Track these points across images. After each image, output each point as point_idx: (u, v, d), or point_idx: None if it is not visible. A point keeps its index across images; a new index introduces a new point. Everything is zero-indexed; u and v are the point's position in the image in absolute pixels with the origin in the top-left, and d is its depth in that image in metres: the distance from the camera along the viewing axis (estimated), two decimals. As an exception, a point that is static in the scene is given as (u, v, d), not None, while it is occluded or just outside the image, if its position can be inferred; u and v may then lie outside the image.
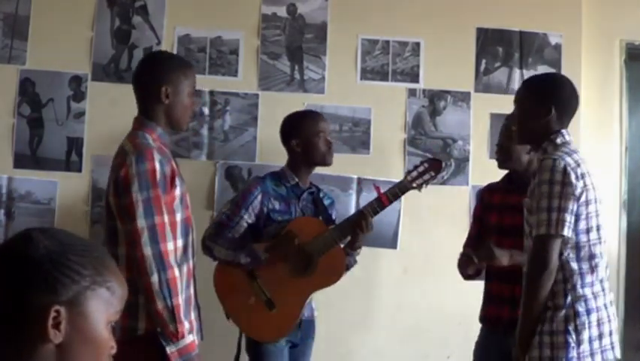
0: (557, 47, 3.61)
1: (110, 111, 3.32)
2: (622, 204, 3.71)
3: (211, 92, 3.42)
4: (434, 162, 2.94)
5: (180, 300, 2.18)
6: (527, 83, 2.58)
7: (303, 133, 2.97)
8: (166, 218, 2.21)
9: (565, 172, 2.24)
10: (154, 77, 2.36)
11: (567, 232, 2.23)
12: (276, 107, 3.19)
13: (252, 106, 3.44)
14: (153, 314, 2.15)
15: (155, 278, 2.14)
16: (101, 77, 3.37)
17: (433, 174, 2.90)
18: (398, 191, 2.89)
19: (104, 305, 1.17)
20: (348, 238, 2.89)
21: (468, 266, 2.70)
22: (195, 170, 3.34)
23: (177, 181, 2.29)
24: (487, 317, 2.84)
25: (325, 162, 3.01)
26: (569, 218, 2.23)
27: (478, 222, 2.95)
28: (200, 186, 3.35)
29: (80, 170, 3.34)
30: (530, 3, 3.61)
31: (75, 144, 3.35)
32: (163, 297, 2.14)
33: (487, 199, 2.93)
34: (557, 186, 2.23)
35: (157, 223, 2.18)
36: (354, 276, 3.11)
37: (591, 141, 3.52)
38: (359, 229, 2.84)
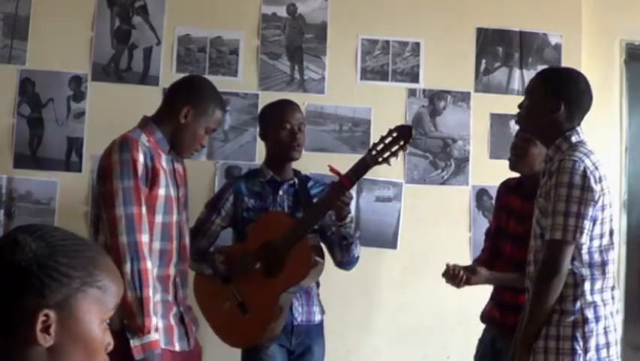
0: (557, 47, 3.61)
1: (110, 111, 3.32)
2: (622, 204, 3.71)
3: (211, 92, 3.41)
4: (403, 129, 2.65)
5: (150, 293, 2.14)
6: (541, 75, 2.46)
7: (269, 125, 2.87)
8: (143, 209, 2.20)
9: (585, 176, 2.17)
10: (186, 95, 2.38)
11: (585, 239, 2.17)
12: (276, 107, 3.18)
13: (252, 106, 3.44)
14: (122, 305, 2.11)
15: (127, 268, 2.12)
16: (101, 77, 3.37)
17: (402, 142, 2.62)
18: (361, 169, 2.64)
19: (95, 305, 1.15)
20: (313, 225, 2.71)
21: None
22: (195, 170, 3.32)
23: (161, 181, 2.27)
24: (485, 315, 2.85)
25: (290, 157, 2.85)
26: (588, 225, 2.16)
27: (495, 219, 2.93)
28: (200, 186, 3.35)
29: (80, 170, 3.34)
30: (530, 3, 3.61)
31: (75, 144, 3.34)
32: (134, 287, 2.12)
33: (502, 198, 2.90)
34: (577, 191, 2.16)
35: (135, 213, 2.18)
36: (354, 276, 3.11)
37: (591, 141, 3.50)
38: (335, 205, 2.63)
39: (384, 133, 2.67)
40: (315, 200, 2.86)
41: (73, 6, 3.38)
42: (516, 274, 2.65)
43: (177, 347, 2.30)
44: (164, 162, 2.33)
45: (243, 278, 2.74)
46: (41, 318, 1.09)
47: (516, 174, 2.86)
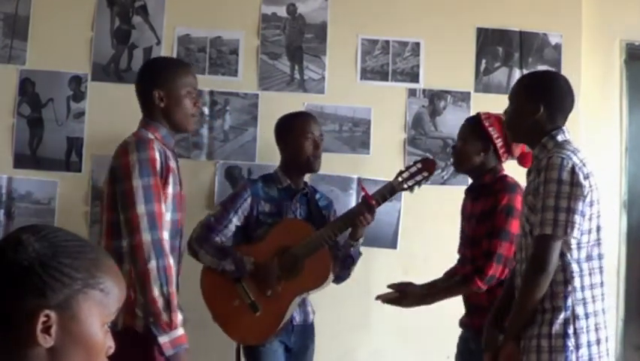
0: (557, 47, 3.61)
1: (110, 111, 3.32)
2: (622, 204, 3.71)
3: (211, 92, 3.41)
4: (428, 162, 2.87)
5: (174, 289, 2.16)
6: (521, 80, 2.55)
7: (291, 135, 2.94)
8: (163, 207, 2.21)
9: (573, 172, 2.20)
10: (147, 83, 2.40)
11: (577, 233, 2.20)
12: (276, 107, 3.19)
13: (252, 106, 3.44)
14: (147, 303, 2.12)
15: (152, 264, 2.12)
16: (101, 77, 3.37)
17: (426, 174, 2.83)
18: (387, 193, 2.82)
19: (97, 307, 1.14)
20: (336, 237, 2.85)
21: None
22: (195, 170, 3.34)
23: (170, 179, 2.29)
24: (464, 322, 2.90)
25: (311, 168, 2.96)
26: (579, 220, 2.19)
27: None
28: (200, 186, 3.35)
29: (79, 170, 3.34)
30: (530, 3, 3.61)
31: (75, 144, 3.34)
32: (160, 284, 2.12)
33: (462, 204, 2.96)
34: (566, 186, 2.19)
35: (155, 211, 2.18)
36: (355, 276, 3.11)
37: (591, 140, 3.52)
38: (359, 221, 2.79)
39: (411, 162, 2.91)
40: (323, 212, 3.02)
41: (73, 6, 3.38)
42: (447, 290, 2.81)
43: None
44: (172, 159, 2.35)
45: (255, 278, 2.80)
46: (42, 318, 1.09)
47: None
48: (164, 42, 3.41)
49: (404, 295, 2.82)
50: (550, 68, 3.53)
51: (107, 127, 3.28)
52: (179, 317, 2.15)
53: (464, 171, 2.91)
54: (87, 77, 3.36)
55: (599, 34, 3.67)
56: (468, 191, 2.92)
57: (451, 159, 2.91)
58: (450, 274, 2.95)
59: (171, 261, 2.18)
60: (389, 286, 2.85)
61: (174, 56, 3.37)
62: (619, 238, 3.69)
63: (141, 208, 2.16)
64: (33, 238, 1.12)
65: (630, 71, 3.74)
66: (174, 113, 2.39)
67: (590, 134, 3.54)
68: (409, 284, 2.86)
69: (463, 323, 2.89)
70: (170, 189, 2.29)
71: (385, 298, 2.84)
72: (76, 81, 3.36)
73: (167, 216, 2.27)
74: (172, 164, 2.33)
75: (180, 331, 2.15)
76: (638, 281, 3.73)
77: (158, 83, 2.37)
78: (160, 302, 2.12)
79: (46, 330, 1.09)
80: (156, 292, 2.11)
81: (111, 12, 3.40)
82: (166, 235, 2.20)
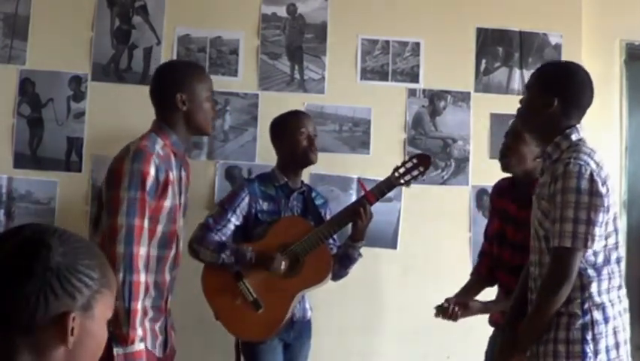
0: (557, 47, 3.61)
1: (110, 111, 3.32)
2: (622, 204, 3.71)
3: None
4: (423, 157, 2.92)
5: (139, 306, 2.15)
6: (539, 69, 2.40)
7: (286, 132, 2.99)
8: (145, 223, 2.21)
9: (592, 180, 2.10)
10: (169, 86, 2.38)
11: (596, 245, 2.13)
12: (276, 107, 3.18)
13: (252, 106, 3.44)
14: None
15: (119, 277, 2.12)
16: (101, 77, 3.37)
17: (422, 169, 2.88)
18: (385, 188, 2.88)
19: (105, 305, 1.17)
20: (334, 235, 2.92)
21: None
22: (195, 170, 3.31)
23: (169, 192, 2.28)
24: (492, 320, 2.86)
25: (308, 160, 2.99)
26: (599, 232, 2.12)
27: (492, 222, 2.91)
28: (200, 186, 3.35)
29: (79, 170, 3.34)
30: (530, 3, 3.61)
31: (75, 144, 3.34)
32: (122, 298, 2.12)
33: (496, 201, 2.88)
34: (585, 196, 2.09)
35: (136, 225, 2.18)
36: (354, 276, 3.11)
37: (591, 141, 3.51)
38: (358, 215, 2.84)
39: (407, 158, 2.97)
40: (320, 210, 3.05)
41: (73, 6, 3.38)
42: (507, 300, 2.65)
43: (157, 353, 2.31)
44: (174, 170, 2.33)
45: (257, 276, 2.83)
46: (71, 320, 1.10)
47: (497, 178, 2.86)
48: (164, 42, 3.41)
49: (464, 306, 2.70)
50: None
51: (107, 127, 3.28)
52: (137, 333, 2.15)
53: (515, 172, 2.75)
54: (87, 77, 3.36)
55: (599, 34, 3.67)
56: (510, 194, 2.79)
57: (501, 157, 2.74)
58: (484, 276, 2.87)
59: (141, 278, 2.17)
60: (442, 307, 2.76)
61: (174, 56, 3.38)
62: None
63: (122, 220, 2.16)
64: (58, 241, 1.13)
65: (630, 71, 3.74)
66: (196, 117, 2.39)
67: (590, 134, 3.52)
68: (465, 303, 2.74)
69: (494, 321, 2.83)
70: (167, 203, 2.28)
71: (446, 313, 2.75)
72: (76, 81, 3.36)
73: (159, 228, 2.26)
74: (173, 175, 2.31)
75: (137, 346, 2.15)
76: (638, 281, 3.73)
77: (180, 86, 2.37)
78: (120, 315, 2.11)
79: (71, 331, 1.11)
80: (118, 305, 2.10)
81: (111, 12, 3.40)
82: (142, 251, 2.19)
